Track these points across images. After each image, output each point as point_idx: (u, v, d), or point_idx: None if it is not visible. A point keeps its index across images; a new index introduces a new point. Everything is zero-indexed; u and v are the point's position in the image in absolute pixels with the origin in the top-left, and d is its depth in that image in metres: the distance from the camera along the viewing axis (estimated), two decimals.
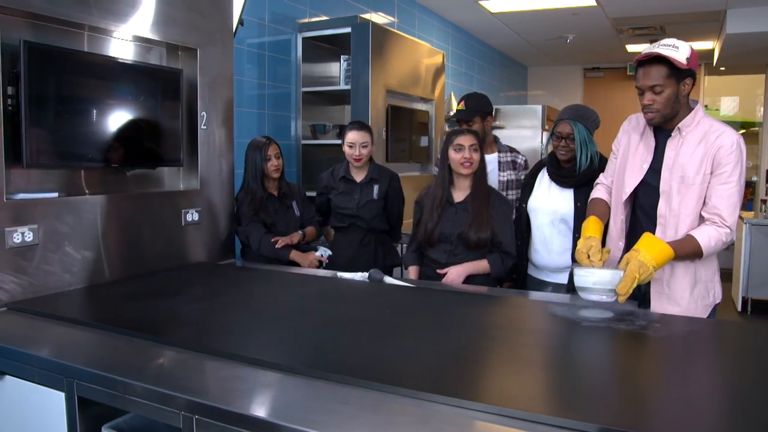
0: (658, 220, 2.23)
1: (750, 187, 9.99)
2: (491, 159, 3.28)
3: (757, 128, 9.19)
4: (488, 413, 1.27)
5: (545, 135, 6.99)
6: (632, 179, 2.29)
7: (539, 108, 7.44)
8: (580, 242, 2.17)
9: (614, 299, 1.98)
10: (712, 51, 8.19)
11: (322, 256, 3.10)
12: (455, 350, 1.66)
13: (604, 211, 2.39)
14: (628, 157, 2.33)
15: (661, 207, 2.22)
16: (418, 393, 1.35)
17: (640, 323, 1.91)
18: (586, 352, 1.75)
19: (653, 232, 2.22)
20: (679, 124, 2.19)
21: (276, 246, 2.99)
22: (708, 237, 2.10)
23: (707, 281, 2.25)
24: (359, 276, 2.58)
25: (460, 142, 2.70)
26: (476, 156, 2.71)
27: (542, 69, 10.51)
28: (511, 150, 3.33)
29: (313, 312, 2.07)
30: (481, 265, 2.69)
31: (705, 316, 2.25)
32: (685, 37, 2.15)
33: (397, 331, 1.84)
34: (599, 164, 2.76)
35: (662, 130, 2.25)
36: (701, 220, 2.17)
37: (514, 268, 2.81)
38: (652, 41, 7.76)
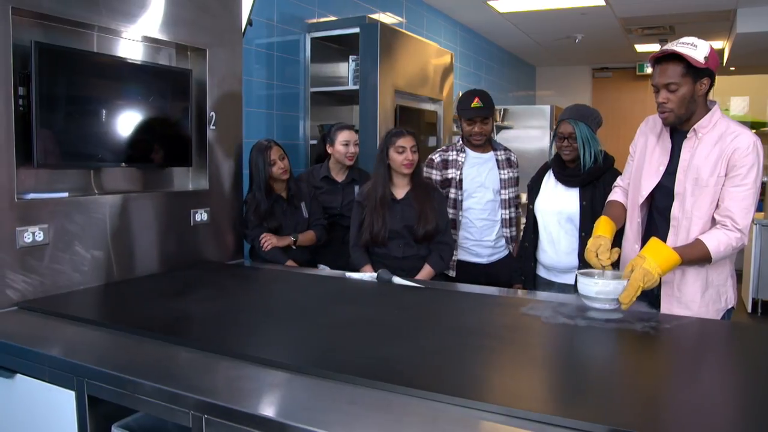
0: (672, 222, 2.19)
1: (761, 188, 9.90)
2: (488, 157, 3.24)
3: (767, 128, 9.12)
4: (496, 413, 1.27)
5: (553, 135, 6.97)
6: (648, 182, 2.26)
7: (547, 108, 7.43)
8: (590, 241, 2.15)
9: (617, 307, 1.97)
10: (722, 51, 8.15)
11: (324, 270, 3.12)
12: (463, 350, 1.66)
13: (619, 213, 2.37)
14: (644, 159, 2.30)
15: (675, 209, 2.18)
16: (425, 393, 1.35)
17: (649, 324, 1.90)
18: (595, 352, 1.74)
19: (662, 229, 2.21)
20: (695, 125, 2.14)
21: (262, 247, 3.00)
22: (717, 242, 2.06)
23: (719, 285, 2.21)
24: (368, 276, 2.58)
25: (402, 144, 2.82)
26: (416, 157, 2.85)
27: (551, 69, 10.48)
28: (504, 148, 3.32)
29: (321, 312, 2.07)
30: (426, 273, 2.86)
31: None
32: (695, 36, 2.12)
33: (405, 331, 1.84)
34: (604, 162, 2.77)
35: (679, 131, 2.21)
36: (713, 222, 2.13)
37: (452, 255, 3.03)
38: (661, 41, 7.77)
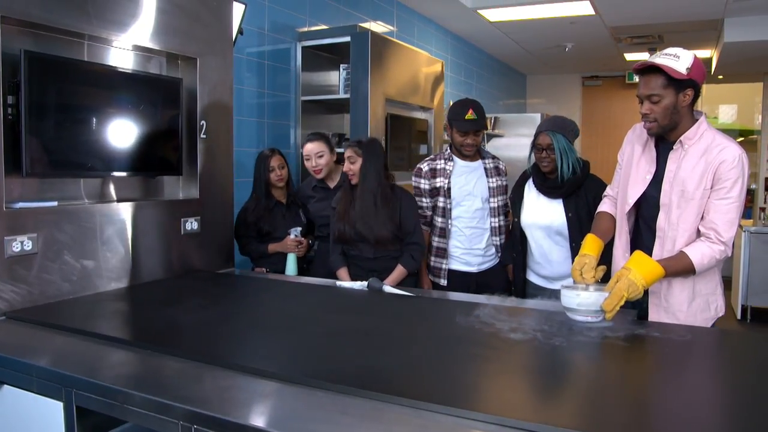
0: (657, 233, 2.21)
1: (749, 195, 9.99)
2: (476, 166, 3.23)
3: (755, 136, 9.21)
4: (488, 423, 1.27)
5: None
6: (634, 190, 2.27)
7: (538, 116, 7.46)
8: (575, 260, 2.17)
9: (600, 319, 1.98)
10: (710, 59, 8.22)
11: (296, 236, 3.25)
12: (454, 359, 1.66)
13: (607, 226, 2.38)
14: (631, 168, 2.30)
15: (661, 220, 2.20)
16: (417, 402, 1.35)
17: (639, 333, 1.90)
18: (585, 361, 1.74)
19: (648, 239, 2.23)
20: (682, 137, 2.14)
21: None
22: (701, 255, 2.08)
23: (708, 294, 2.22)
24: (358, 285, 2.58)
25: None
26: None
27: (541, 77, 10.54)
28: (492, 156, 3.33)
29: (312, 321, 2.07)
30: (398, 273, 2.98)
31: None
32: (683, 45, 2.13)
33: (396, 341, 1.84)
34: (582, 171, 2.80)
35: (664, 141, 2.21)
36: (698, 234, 2.14)
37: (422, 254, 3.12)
38: (650, 50, 7.84)
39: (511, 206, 3.06)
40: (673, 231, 2.17)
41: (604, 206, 2.47)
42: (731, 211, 2.09)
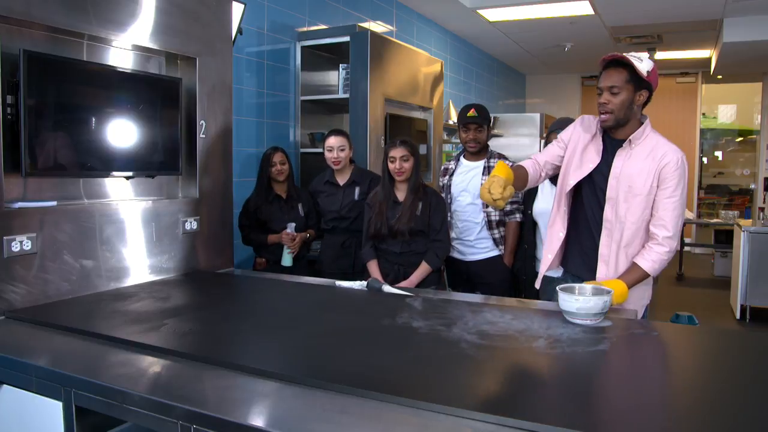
0: (604, 224, 2.37)
1: (748, 195, 10.00)
2: (477, 165, 3.48)
3: (754, 136, 9.22)
4: (488, 423, 1.27)
5: (544, 143, 7.01)
6: (576, 174, 2.41)
7: (537, 116, 7.47)
8: (485, 182, 2.20)
9: (597, 323, 1.99)
10: (709, 59, 8.22)
11: (291, 232, 3.45)
12: (454, 359, 1.66)
13: (521, 173, 2.47)
14: (576, 152, 2.44)
15: (608, 212, 2.35)
16: (417, 402, 1.35)
17: (638, 333, 1.90)
18: (586, 361, 1.74)
19: (593, 226, 2.40)
20: (631, 137, 2.30)
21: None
22: (651, 262, 2.29)
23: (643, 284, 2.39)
24: (357, 284, 2.58)
25: (393, 154, 3.09)
26: (407, 164, 3.08)
27: (540, 77, 10.55)
28: (500, 156, 3.54)
29: (311, 321, 2.07)
30: (423, 270, 3.10)
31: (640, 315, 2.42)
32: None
33: (395, 340, 1.84)
34: None
35: (611, 138, 2.37)
36: (645, 230, 2.33)
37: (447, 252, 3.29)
38: (649, 50, 7.85)
39: (524, 200, 3.32)
40: (620, 223, 2.34)
41: (525, 163, 2.56)
42: (677, 208, 2.29)
